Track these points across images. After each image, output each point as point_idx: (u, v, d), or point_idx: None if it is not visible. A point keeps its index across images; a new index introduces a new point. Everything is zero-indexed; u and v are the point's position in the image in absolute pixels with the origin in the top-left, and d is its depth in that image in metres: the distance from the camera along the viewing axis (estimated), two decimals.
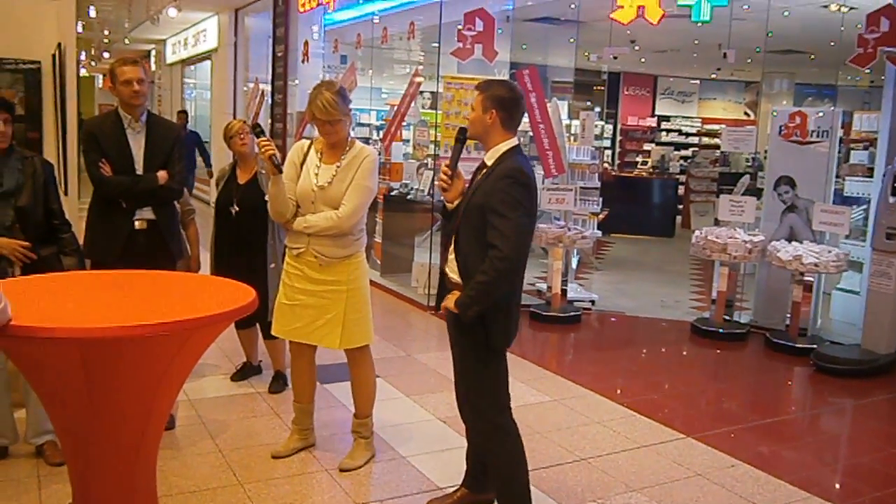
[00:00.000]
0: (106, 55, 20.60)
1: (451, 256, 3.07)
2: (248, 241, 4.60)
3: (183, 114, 12.21)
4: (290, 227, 3.69)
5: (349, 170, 3.61)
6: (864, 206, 7.47)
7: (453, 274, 3.04)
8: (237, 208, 4.59)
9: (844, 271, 6.64)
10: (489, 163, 3.01)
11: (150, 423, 2.53)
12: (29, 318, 2.27)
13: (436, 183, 3.21)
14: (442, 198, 3.19)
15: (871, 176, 7.29)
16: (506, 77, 8.27)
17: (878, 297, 5.99)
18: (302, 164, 3.69)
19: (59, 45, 5.16)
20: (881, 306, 5.96)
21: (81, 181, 5.09)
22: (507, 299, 2.99)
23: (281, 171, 3.59)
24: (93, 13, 13.73)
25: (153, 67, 20.60)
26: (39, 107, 5.21)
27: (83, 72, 23.14)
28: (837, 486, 4.07)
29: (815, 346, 6.16)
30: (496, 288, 2.88)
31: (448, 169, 3.08)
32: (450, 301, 2.97)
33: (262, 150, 3.57)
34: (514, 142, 3.03)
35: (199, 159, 11.71)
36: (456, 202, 3.11)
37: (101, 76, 26.82)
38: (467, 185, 3.13)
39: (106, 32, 17.40)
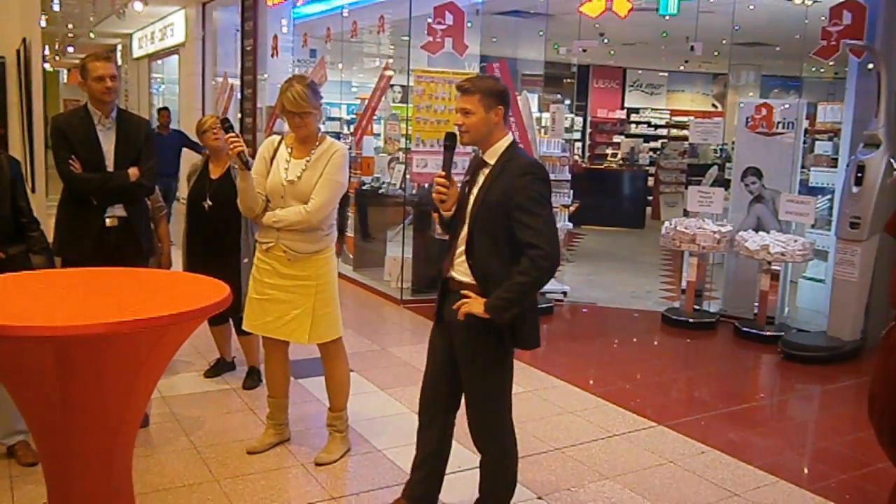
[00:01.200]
0: (71, 49, 20.27)
1: (461, 259, 2.91)
2: (221, 236, 4.57)
3: (165, 111, 10.64)
4: (259, 221, 3.69)
5: (319, 164, 3.61)
6: (829, 196, 7.61)
7: (463, 277, 2.89)
8: (210, 203, 4.56)
9: (810, 260, 6.76)
10: (491, 161, 2.88)
11: (125, 420, 2.52)
12: (0, 317, 2.25)
13: (434, 196, 2.98)
14: (436, 207, 3.00)
15: (836, 166, 7.43)
16: (477, 70, 8.29)
17: (842, 285, 6.10)
18: (272, 159, 3.69)
19: (24, 40, 5.08)
20: (846, 294, 6.08)
21: (49, 178, 5.03)
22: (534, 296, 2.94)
23: (249, 168, 3.59)
24: (57, 7, 13.49)
25: (119, 62, 20.31)
26: (4, 103, 5.13)
27: (47, 66, 22.76)
28: (805, 470, 4.15)
29: (782, 333, 6.28)
30: (537, 287, 2.81)
31: (444, 179, 2.93)
32: (475, 306, 2.77)
33: (231, 146, 3.57)
34: (510, 137, 2.95)
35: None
36: (453, 209, 2.97)
37: (65, 71, 26.39)
38: (460, 188, 3.01)
39: (70, 26, 17.13)
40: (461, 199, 2.97)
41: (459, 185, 3.03)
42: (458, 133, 2.94)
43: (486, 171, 2.90)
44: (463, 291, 2.85)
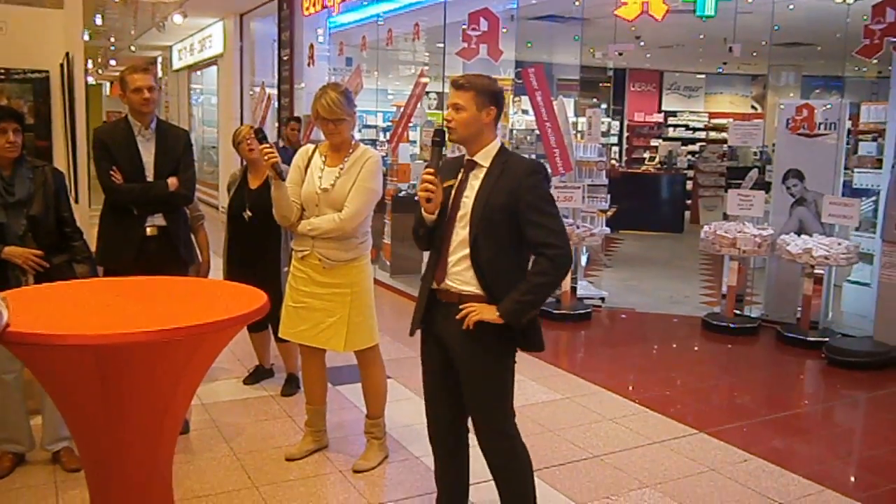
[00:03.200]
0: (113, 63, 20.68)
1: (458, 268, 2.79)
2: (261, 245, 4.62)
3: (296, 122, 9.39)
4: (295, 230, 3.72)
5: (352, 172, 3.63)
6: (874, 198, 7.44)
7: (464, 286, 2.78)
8: (250, 213, 4.61)
9: (855, 263, 6.63)
10: (485, 163, 2.79)
11: (166, 427, 2.55)
12: (44, 325, 2.30)
13: (420, 194, 2.84)
14: (422, 210, 2.82)
15: (880, 167, 7.27)
16: (511, 76, 8.27)
17: (889, 288, 5.96)
18: (306, 167, 3.72)
19: (67, 54, 5.18)
20: (892, 298, 5.94)
21: (92, 189, 5.12)
22: None
23: (283, 178, 3.61)
24: (99, 21, 13.77)
25: (160, 74, 20.67)
26: (48, 116, 5.23)
27: (90, 80, 23.26)
28: (852, 478, 4.06)
29: (826, 338, 6.15)
30: (555, 286, 2.78)
31: (433, 176, 2.77)
32: (487, 313, 2.69)
33: (265, 157, 3.60)
34: (500, 140, 2.88)
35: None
36: (436, 212, 2.82)
37: (108, 84, 26.93)
38: (452, 189, 2.86)
39: (112, 40, 17.47)
40: (449, 204, 2.83)
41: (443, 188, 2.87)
42: (446, 130, 2.84)
43: (481, 173, 2.80)
44: (464, 306, 2.73)
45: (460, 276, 2.80)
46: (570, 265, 2.74)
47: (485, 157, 2.81)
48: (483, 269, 2.76)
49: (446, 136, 2.84)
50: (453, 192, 2.84)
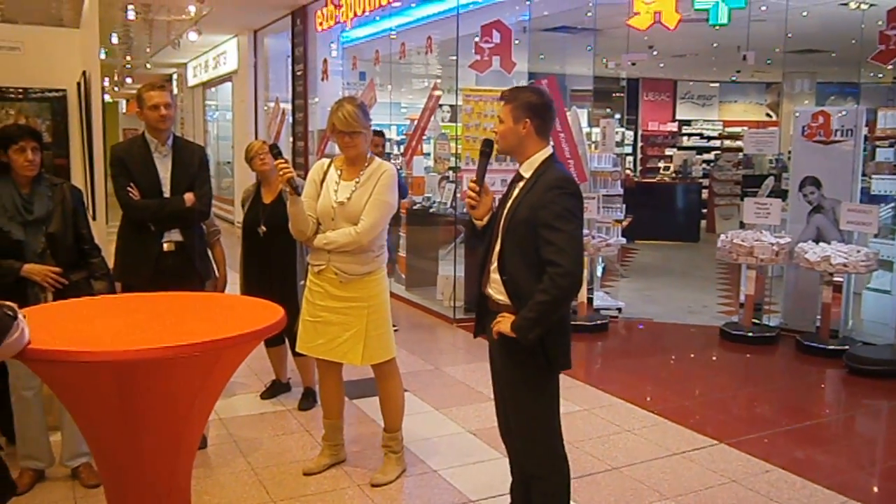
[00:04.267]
0: (129, 80, 20.87)
1: (495, 276, 2.85)
2: (277, 260, 4.63)
3: (379, 136, 7.65)
4: (311, 244, 3.73)
5: (368, 185, 3.64)
6: (892, 204, 7.39)
7: (499, 295, 2.83)
8: (264, 229, 4.63)
9: (874, 271, 6.56)
10: (527, 175, 2.82)
11: (184, 442, 2.56)
12: (62, 342, 2.31)
13: (464, 201, 2.99)
14: (469, 215, 3.01)
15: None
16: None
17: None
18: (322, 181, 3.73)
19: (84, 72, 5.24)
20: None
21: (109, 206, 5.16)
22: (565, 315, 2.84)
23: (299, 193, 3.62)
24: (115, 40, 13.91)
25: (175, 91, 20.84)
26: (66, 134, 5.29)
27: (107, 98, 23.47)
28: (875, 489, 4.00)
29: (846, 347, 6.09)
30: (560, 306, 2.69)
31: (475, 185, 2.92)
32: (504, 325, 2.73)
33: (281, 172, 3.61)
34: (549, 150, 2.86)
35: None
36: (485, 219, 2.95)
37: (124, 101, 27.19)
38: (496, 199, 2.99)
39: (128, 58, 17.65)
40: (496, 212, 2.93)
41: (499, 197, 2.97)
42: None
43: (521, 184, 2.83)
44: (500, 315, 2.77)
45: (495, 284, 2.86)
46: (573, 285, 2.66)
47: (528, 169, 2.84)
48: (508, 281, 2.79)
49: (494, 146, 2.97)
50: (502, 202, 2.90)
